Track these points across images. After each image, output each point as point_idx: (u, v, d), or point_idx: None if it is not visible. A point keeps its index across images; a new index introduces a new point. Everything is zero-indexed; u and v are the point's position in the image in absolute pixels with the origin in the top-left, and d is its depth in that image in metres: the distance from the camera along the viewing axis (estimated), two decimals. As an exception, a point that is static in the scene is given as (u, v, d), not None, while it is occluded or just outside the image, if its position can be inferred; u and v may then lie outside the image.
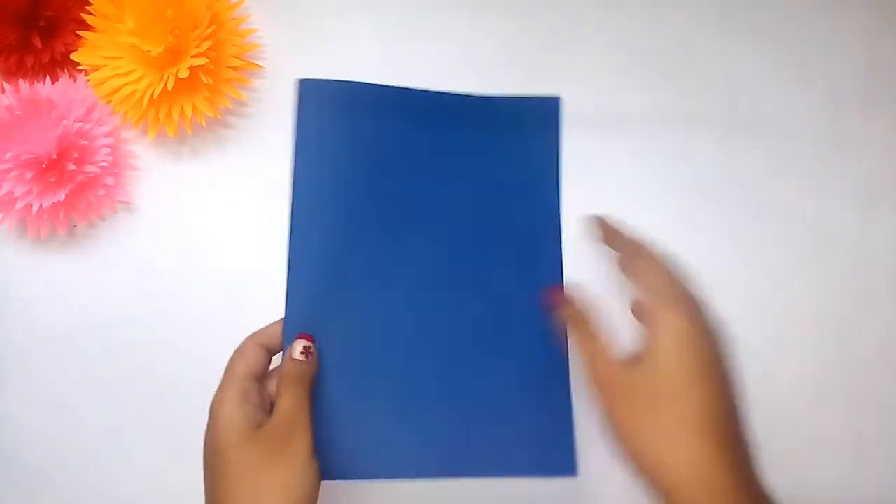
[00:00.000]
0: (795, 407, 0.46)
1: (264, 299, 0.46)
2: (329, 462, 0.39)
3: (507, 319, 0.43)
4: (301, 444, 0.36)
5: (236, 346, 0.46)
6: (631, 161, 0.48)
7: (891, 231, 0.47)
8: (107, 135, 0.46)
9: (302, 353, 0.40)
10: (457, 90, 0.45)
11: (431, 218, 0.44)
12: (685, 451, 0.33)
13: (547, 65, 0.48)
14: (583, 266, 0.45)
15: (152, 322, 0.47)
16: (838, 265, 0.47)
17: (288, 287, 0.42)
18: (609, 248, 0.42)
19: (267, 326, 0.42)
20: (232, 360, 0.40)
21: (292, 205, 0.42)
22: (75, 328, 0.47)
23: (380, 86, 0.44)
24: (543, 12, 0.50)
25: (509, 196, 0.45)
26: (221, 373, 0.46)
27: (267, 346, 0.41)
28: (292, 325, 0.41)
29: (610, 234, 0.42)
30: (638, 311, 0.38)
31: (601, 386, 0.37)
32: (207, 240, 0.48)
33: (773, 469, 0.45)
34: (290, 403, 0.38)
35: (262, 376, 0.40)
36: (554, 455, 0.41)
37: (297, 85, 0.43)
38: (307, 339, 0.41)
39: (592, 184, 0.47)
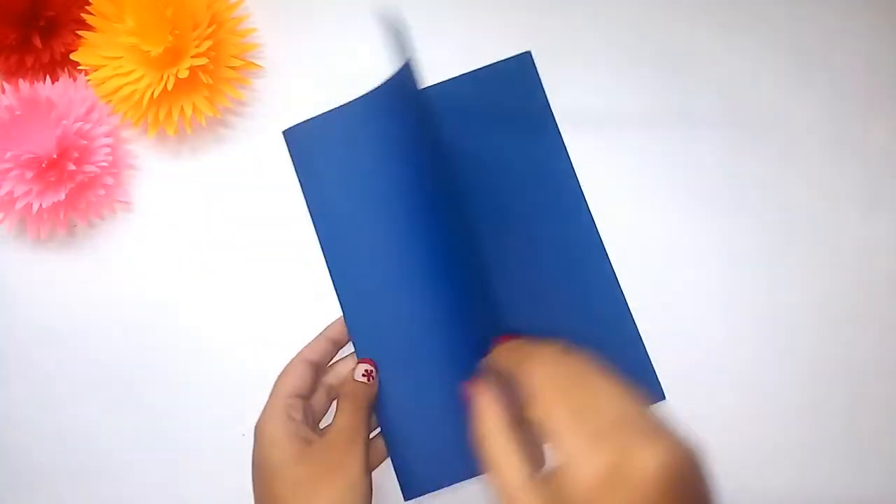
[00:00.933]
0: (795, 407, 0.46)
1: (265, 299, 0.47)
2: (418, 474, 0.41)
3: (555, 279, 0.44)
4: (354, 463, 0.36)
5: (236, 346, 0.46)
6: (630, 161, 0.48)
7: (891, 231, 0.47)
8: (107, 135, 0.46)
9: (364, 375, 0.40)
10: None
11: (454, 206, 0.44)
12: None
13: (546, 64, 0.48)
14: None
15: (152, 322, 0.47)
16: (838, 265, 0.47)
17: (346, 317, 0.43)
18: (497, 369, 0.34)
19: (312, 342, 0.42)
20: (279, 379, 0.40)
21: (321, 243, 0.44)
22: (75, 328, 0.47)
23: (354, 102, 0.44)
24: (543, 12, 0.50)
25: (520, 165, 0.45)
26: (221, 372, 0.46)
27: (314, 362, 0.41)
28: (363, 350, 0.42)
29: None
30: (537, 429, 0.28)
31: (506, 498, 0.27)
32: (207, 239, 0.48)
33: (773, 469, 0.46)
34: (348, 422, 0.38)
35: (309, 394, 0.41)
36: (637, 385, 0.42)
37: (283, 136, 0.45)
38: (369, 364, 0.41)
39: (592, 185, 0.46)
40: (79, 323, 0.47)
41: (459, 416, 0.41)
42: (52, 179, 0.45)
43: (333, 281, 0.43)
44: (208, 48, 0.44)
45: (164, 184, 0.48)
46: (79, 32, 0.46)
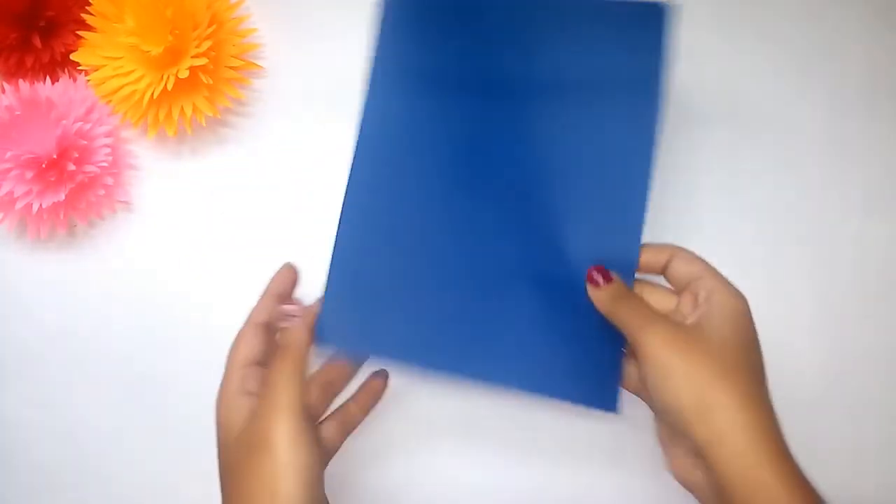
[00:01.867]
0: (795, 407, 0.46)
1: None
2: (342, 325, 0.38)
3: (575, 262, 0.39)
4: (280, 439, 0.32)
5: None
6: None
7: (891, 231, 0.47)
8: (107, 135, 0.46)
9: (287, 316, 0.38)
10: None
11: (508, 148, 0.40)
12: (740, 390, 0.33)
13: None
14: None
15: (152, 322, 0.47)
16: (838, 265, 0.47)
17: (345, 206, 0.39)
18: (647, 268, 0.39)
19: (259, 304, 0.39)
20: (231, 350, 0.38)
21: (358, 134, 0.39)
22: (75, 328, 0.47)
23: None
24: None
25: (598, 139, 0.40)
26: (221, 373, 0.46)
27: (264, 324, 0.38)
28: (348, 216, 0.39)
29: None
30: (687, 284, 0.37)
31: (655, 333, 0.34)
32: (207, 239, 0.48)
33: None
34: (270, 387, 0.34)
35: (264, 358, 0.38)
36: (597, 386, 0.38)
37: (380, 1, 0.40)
38: (292, 304, 0.39)
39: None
40: (79, 323, 0.47)
41: (418, 299, 0.38)
42: (52, 179, 0.45)
43: (352, 172, 0.39)
44: (208, 48, 0.44)
45: (164, 184, 0.48)
46: (79, 32, 0.46)
